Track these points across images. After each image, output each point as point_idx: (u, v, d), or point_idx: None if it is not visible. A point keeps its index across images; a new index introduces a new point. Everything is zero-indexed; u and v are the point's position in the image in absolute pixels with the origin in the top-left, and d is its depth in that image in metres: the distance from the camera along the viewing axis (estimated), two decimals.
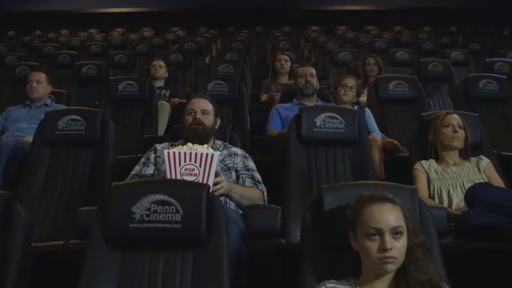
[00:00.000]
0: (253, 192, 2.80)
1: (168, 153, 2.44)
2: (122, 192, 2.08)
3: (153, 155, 2.94)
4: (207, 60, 8.38)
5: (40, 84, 4.52)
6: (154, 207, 2.01)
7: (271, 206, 2.69)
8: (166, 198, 2.02)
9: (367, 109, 4.29)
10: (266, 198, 2.85)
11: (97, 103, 4.86)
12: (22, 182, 3.31)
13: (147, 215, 2.01)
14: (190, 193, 2.07)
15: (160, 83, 5.65)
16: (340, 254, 1.93)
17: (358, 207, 1.83)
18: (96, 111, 3.60)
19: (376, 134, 4.08)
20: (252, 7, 12.53)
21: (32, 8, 12.79)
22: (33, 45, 9.70)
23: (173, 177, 2.43)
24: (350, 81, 4.38)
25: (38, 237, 2.82)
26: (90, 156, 3.39)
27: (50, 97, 4.67)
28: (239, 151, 3.00)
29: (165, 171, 2.48)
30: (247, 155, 3.01)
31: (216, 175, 2.53)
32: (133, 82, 4.76)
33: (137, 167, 2.93)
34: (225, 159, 2.89)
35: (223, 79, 4.96)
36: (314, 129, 3.33)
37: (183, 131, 3.04)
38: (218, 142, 3.06)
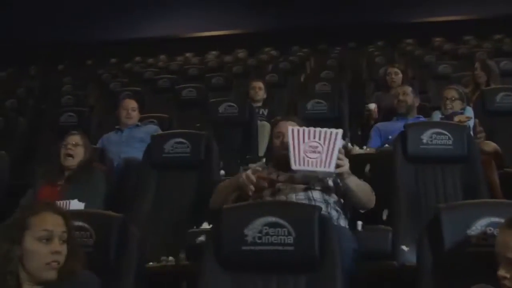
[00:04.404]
0: (366, 185, 2.73)
1: (293, 130, 2.47)
2: (234, 215, 2.11)
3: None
4: (302, 78, 8.39)
5: (134, 112, 4.69)
6: (266, 229, 2.02)
7: (381, 227, 2.64)
8: (278, 220, 2.02)
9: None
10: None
11: (198, 125, 4.97)
12: (133, 204, 3.40)
13: (259, 238, 2.02)
14: (302, 214, 2.07)
15: (259, 104, 5.69)
16: (462, 279, 1.83)
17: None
18: (200, 133, 3.66)
19: None
20: (343, 22, 12.49)
21: (131, 36, 13.39)
22: (134, 71, 10.07)
23: (296, 153, 2.46)
24: (450, 92, 4.30)
25: (148, 258, 2.89)
26: (195, 177, 3.44)
27: (151, 121, 4.86)
28: None
29: (287, 150, 2.50)
30: None
31: (339, 153, 2.49)
32: (233, 104, 4.84)
33: None
34: None
35: (322, 97, 4.96)
36: (421, 146, 3.23)
37: (272, 154, 3.04)
38: None
